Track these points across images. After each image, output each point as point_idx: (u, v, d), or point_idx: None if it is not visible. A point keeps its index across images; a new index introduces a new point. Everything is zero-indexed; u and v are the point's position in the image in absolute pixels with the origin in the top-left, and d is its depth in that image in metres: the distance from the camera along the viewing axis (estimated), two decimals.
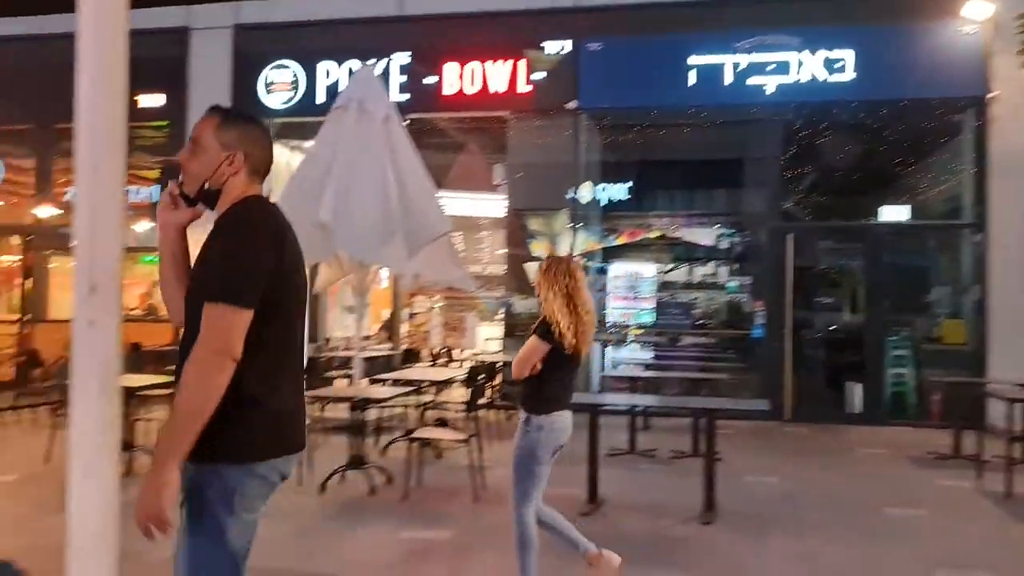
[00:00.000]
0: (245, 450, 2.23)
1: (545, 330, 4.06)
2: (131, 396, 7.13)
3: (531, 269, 12.40)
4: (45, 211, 12.78)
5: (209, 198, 2.41)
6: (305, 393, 2.51)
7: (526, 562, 4.03)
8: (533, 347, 4.07)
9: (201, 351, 2.16)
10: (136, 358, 8.92)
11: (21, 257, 13.66)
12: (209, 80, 12.15)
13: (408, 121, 8.65)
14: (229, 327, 2.17)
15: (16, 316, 13.28)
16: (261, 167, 2.47)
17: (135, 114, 10.51)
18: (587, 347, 4.15)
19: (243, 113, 2.56)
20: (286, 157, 13.27)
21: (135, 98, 11.95)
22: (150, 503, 2.06)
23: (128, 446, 6.92)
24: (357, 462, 6.56)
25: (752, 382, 10.79)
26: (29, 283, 13.28)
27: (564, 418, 4.12)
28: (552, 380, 4.11)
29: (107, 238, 1.54)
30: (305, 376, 2.56)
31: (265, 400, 2.26)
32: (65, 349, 10.74)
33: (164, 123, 12.63)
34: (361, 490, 6.37)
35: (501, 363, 9.92)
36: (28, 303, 13.08)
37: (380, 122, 7.92)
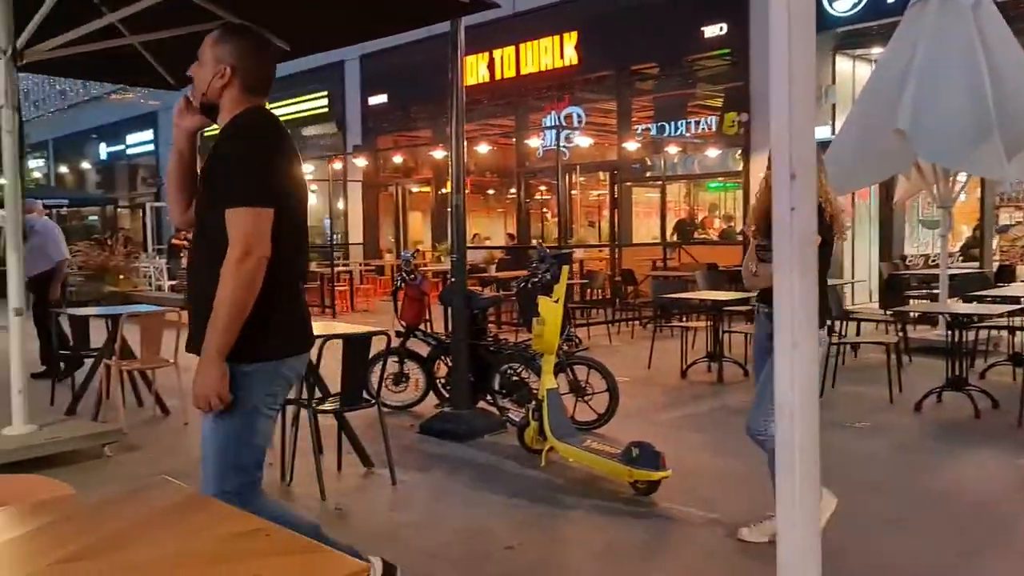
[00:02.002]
0: (261, 350, 2.37)
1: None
2: (718, 311, 7.64)
3: None
4: (627, 147, 14.18)
5: (210, 110, 2.53)
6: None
7: None
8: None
9: (231, 257, 2.28)
10: (714, 276, 9.51)
11: (608, 190, 15.47)
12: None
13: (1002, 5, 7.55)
14: (252, 229, 2.28)
15: (607, 242, 15.14)
16: (256, 82, 2.52)
17: (699, 45, 11.01)
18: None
19: (243, 28, 2.61)
20: (849, 68, 12.68)
21: (700, 29, 12.54)
22: (208, 388, 2.30)
23: (718, 356, 7.46)
24: (956, 384, 6.10)
25: None
26: (616, 213, 14.96)
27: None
28: (822, 281, 3.45)
29: (803, 131, 1.64)
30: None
31: (280, 306, 2.40)
32: (652, 269, 11.90)
33: (726, 51, 13.00)
34: (961, 413, 5.93)
35: None
36: (617, 229, 14.77)
37: (968, 10, 7.09)
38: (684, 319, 8.92)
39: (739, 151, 13.03)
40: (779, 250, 1.67)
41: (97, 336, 6.61)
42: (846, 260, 12.70)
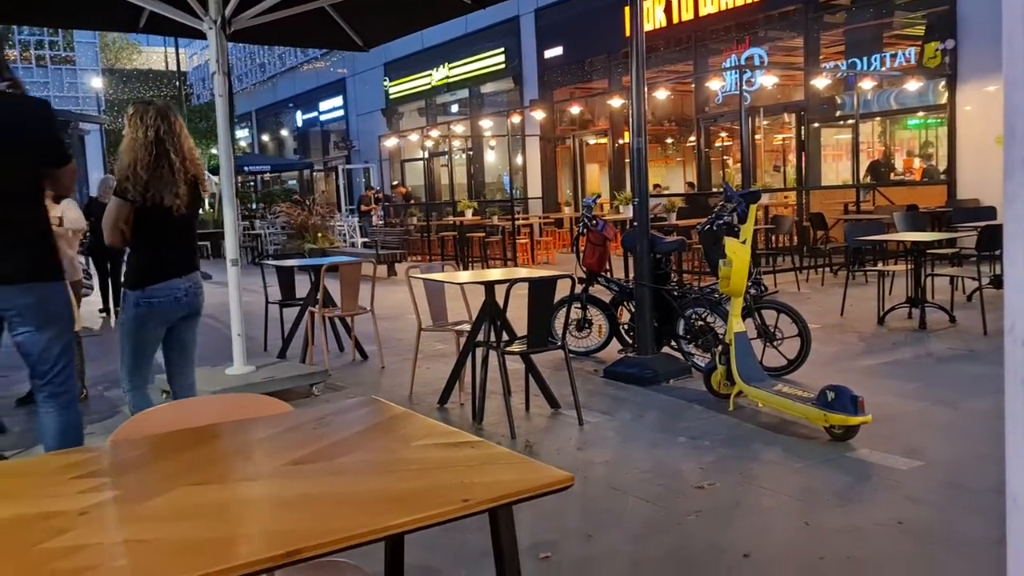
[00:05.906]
0: None
1: (122, 186, 3.65)
2: (920, 254, 7.14)
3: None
4: (815, 86, 13.40)
5: None
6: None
7: None
8: (112, 208, 3.69)
9: None
10: (915, 218, 8.88)
11: (794, 132, 14.72)
12: None
13: None
14: None
15: (793, 186, 14.47)
16: None
17: None
18: (182, 200, 3.68)
19: None
20: None
21: None
22: None
23: (920, 301, 6.98)
24: None
25: None
26: (804, 155, 14.24)
27: (170, 287, 3.75)
28: (148, 247, 3.75)
29: None
30: None
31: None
32: (844, 213, 11.26)
33: None
34: None
35: None
36: (804, 173, 14.07)
37: None
38: (881, 263, 8.41)
39: (943, 83, 12.00)
40: (1011, 181, 1.53)
41: (301, 289, 7.10)
42: None
